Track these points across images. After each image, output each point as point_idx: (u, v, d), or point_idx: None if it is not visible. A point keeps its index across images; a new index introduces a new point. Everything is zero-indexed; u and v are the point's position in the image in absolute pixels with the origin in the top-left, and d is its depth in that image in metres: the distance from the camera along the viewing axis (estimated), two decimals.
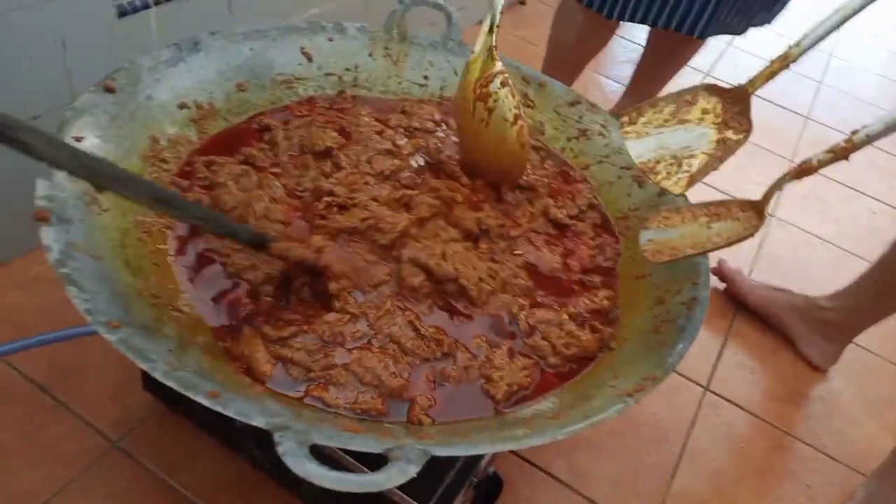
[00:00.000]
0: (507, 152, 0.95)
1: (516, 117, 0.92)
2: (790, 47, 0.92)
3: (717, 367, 1.41)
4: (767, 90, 2.52)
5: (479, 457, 0.96)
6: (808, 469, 1.26)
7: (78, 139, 0.84)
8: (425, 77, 1.20)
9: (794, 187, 2.00)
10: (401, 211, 0.89)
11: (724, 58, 2.63)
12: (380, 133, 1.05)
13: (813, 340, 1.44)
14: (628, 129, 0.98)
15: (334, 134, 1.04)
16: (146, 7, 1.26)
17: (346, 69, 1.17)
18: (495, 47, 0.93)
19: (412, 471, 0.57)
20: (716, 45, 2.58)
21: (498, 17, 0.94)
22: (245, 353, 0.72)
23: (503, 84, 0.91)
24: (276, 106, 1.11)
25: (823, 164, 0.84)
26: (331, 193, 0.90)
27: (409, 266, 0.81)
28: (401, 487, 0.87)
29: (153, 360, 0.63)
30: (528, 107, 1.18)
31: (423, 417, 0.71)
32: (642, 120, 0.99)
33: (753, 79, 0.95)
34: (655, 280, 0.93)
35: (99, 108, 0.90)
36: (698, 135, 0.97)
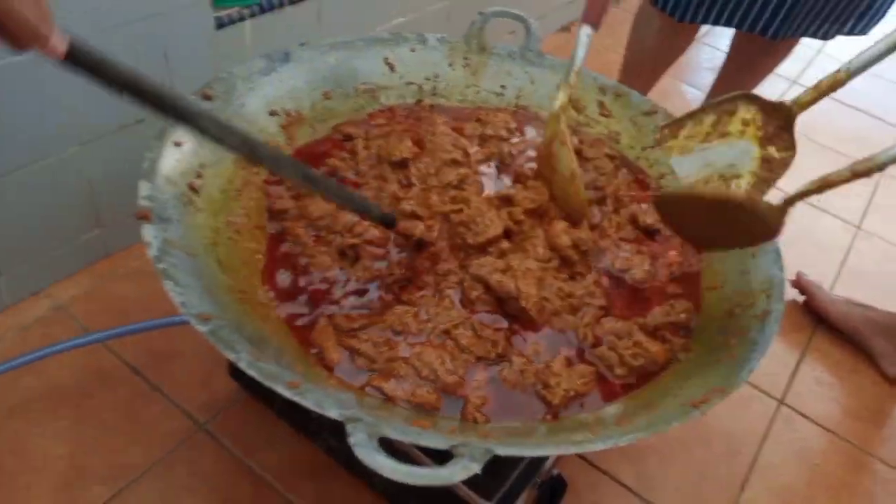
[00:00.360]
0: (569, 204, 0.97)
1: (572, 175, 0.94)
2: (839, 70, 0.87)
3: (794, 381, 1.38)
4: (856, 97, 2.44)
5: (544, 458, 0.98)
6: (887, 492, 1.22)
7: (178, 144, 0.91)
8: (502, 87, 1.23)
9: (881, 198, 1.93)
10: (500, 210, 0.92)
11: (813, 65, 2.54)
12: (454, 144, 1.08)
13: (893, 357, 1.39)
14: (671, 143, 0.96)
15: (410, 144, 1.08)
16: (242, 20, 1.33)
17: (427, 78, 1.22)
18: (563, 107, 0.97)
19: (475, 468, 0.60)
20: (804, 52, 2.50)
21: (573, 76, 0.99)
22: (317, 341, 0.77)
23: (561, 143, 0.95)
24: (359, 114, 1.16)
25: (841, 180, 0.79)
26: (414, 215, 0.93)
27: (471, 279, 0.85)
28: (466, 483, 0.90)
29: (238, 351, 0.68)
30: (605, 116, 1.19)
31: (477, 416, 0.74)
32: (684, 133, 0.96)
33: (798, 98, 0.89)
34: (727, 291, 0.93)
35: None
36: (741, 151, 0.93)
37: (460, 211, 0.91)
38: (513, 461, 0.93)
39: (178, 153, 0.91)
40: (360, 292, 0.86)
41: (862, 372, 1.42)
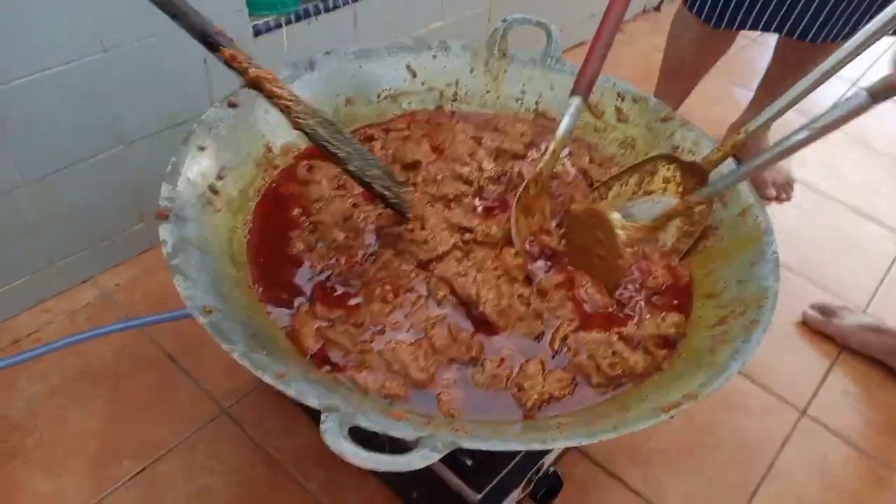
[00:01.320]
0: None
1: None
2: (739, 133, 0.98)
3: (819, 392, 1.35)
4: None
5: (540, 454, 1.01)
6: None
7: (202, 148, 0.98)
8: (522, 92, 1.26)
9: None
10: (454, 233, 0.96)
11: (875, 67, 2.46)
12: (471, 154, 1.12)
13: None
14: (602, 202, 1.05)
15: (427, 148, 1.12)
16: (279, 27, 1.40)
17: (448, 84, 1.25)
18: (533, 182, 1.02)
19: (435, 457, 0.64)
20: (867, 52, 2.41)
21: (556, 145, 1.03)
22: (296, 326, 0.82)
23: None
24: (381, 119, 1.21)
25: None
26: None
27: (437, 280, 0.89)
28: (458, 476, 0.94)
29: (234, 342, 0.74)
30: (622, 121, 1.20)
31: (453, 411, 0.77)
32: (612, 193, 1.06)
33: (707, 157, 1.01)
34: (723, 299, 0.93)
35: (222, 121, 1.04)
36: (664, 205, 0.99)
37: (412, 230, 0.95)
38: (506, 456, 0.96)
39: (201, 156, 0.97)
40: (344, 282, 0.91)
41: (890, 386, 1.38)
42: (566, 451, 1.18)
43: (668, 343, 0.89)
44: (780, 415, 1.31)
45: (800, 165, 1.95)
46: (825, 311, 1.48)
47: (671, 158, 1.04)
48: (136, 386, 1.19)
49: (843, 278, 1.62)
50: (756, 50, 2.46)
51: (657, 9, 2.61)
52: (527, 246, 0.97)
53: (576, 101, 1.04)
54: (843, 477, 1.22)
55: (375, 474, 1.10)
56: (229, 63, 0.76)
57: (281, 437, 1.15)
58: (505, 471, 0.95)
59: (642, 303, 0.95)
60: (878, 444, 1.28)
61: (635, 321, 0.91)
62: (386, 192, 0.88)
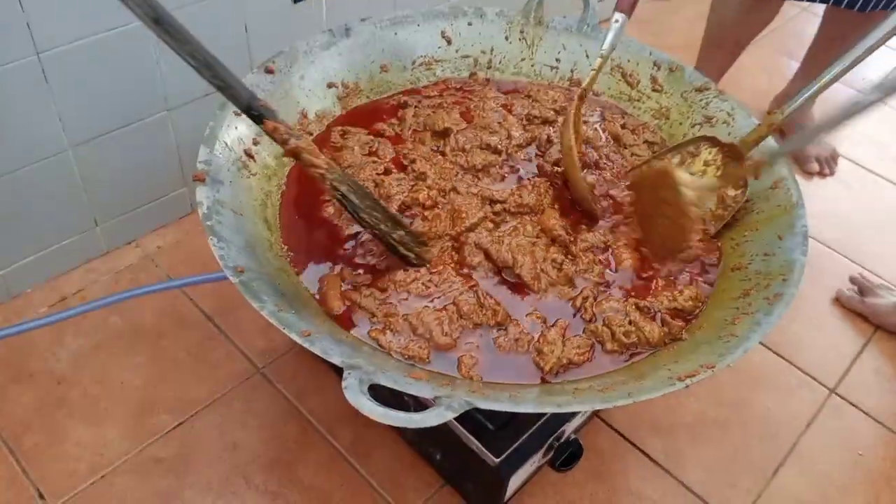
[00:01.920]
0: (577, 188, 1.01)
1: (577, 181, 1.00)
2: (773, 113, 0.97)
3: (851, 371, 1.34)
4: None
5: (562, 422, 1.03)
6: None
7: (238, 113, 1.00)
8: (557, 60, 1.25)
9: None
10: (484, 205, 0.98)
11: None
12: (500, 122, 1.12)
13: None
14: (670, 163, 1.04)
15: (457, 116, 1.13)
16: None
17: (483, 52, 1.26)
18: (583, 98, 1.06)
19: (449, 415, 0.66)
20: None
21: (598, 61, 1.06)
22: (323, 288, 0.85)
23: (569, 152, 1.00)
24: (414, 86, 1.23)
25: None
26: (424, 175, 1.00)
27: (472, 247, 0.90)
28: (479, 439, 0.96)
29: (264, 300, 0.77)
30: (656, 91, 1.19)
31: (473, 374, 0.79)
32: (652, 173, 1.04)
33: (744, 138, 0.99)
34: (749, 272, 0.93)
35: (259, 86, 1.06)
36: (703, 186, 0.99)
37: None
38: (527, 421, 0.98)
39: (238, 122, 1.00)
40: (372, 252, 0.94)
41: None
42: (590, 419, 1.19)
43: (685, 315, 0.89)
44: (809, 392, 1.30)
45: (844, 140, 1.90)
46: (861, 288, 1.45)
47: (713, 141, 1.03)
48: (175, 345, 1.24)
49: (884, 256, 1.58)
50: (806, 19, 2.38)
51: None
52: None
53: (620, 17, 1.06)
54: (871, 457, 1.21)
55: (401, 435, 1.14)
56: (272, 134, 0.80)
57: (313, 397, 1.18)
58: (525, 436, 0.97)
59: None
60: None
61: (655, 287, 0.92)
62: (409, 254, 0.89)
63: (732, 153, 1.00)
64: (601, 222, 1.00)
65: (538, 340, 0.84)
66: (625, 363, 0.84)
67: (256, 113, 0.80)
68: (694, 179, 0.95)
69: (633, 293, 0.92)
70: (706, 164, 1.02)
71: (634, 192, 1.02)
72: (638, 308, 0.88)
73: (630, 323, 0.85)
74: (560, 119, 1.16)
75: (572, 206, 1.02)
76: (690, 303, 0.89)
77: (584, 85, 1.07)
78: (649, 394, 0.73)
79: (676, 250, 0.94)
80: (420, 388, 0.71)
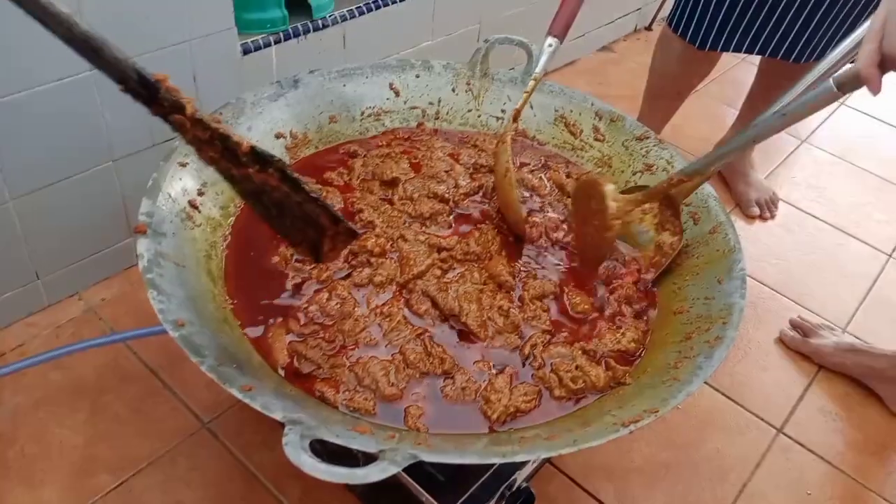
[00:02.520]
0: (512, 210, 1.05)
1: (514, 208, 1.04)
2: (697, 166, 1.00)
3: (797, 410, 1.36)
4: None
5: (513, 470, 1.02)
6: None
7: (182, 164, 1.00)
8: (502, 111, 1.28)
9: None
10: (432, 253, 0.99)
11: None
12: (448, 171, 1.14)
13: None
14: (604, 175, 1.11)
15: (406, 165, 1.14)
16: (268, 45, 1.43)
17: (430, 103, 1.28)
18: (507, 133, 1.12)
19: (393, 469, 0.65)
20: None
21: (531, 83, 1.13)
22: (269, 341, 0.84)
23: (505, 176, 1.05)
24: (363, 136, 1.24)
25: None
26: (371, 224, 1.01)
27: (419, 294, 0.91)
28: (428, 490, 0.95)
29: (204, 355, 0.76)
30: (599, 140, 1.23)
31: (419, 425, 0.78)
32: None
33: (679, 188, 1.02)
34: (690, 316, 0.95)
35: None
36: (640, 233, 1.06)
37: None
38: (477, 471, 0.97)
39: (182, 172, 1.00)
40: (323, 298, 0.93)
41: (871, 405, 1.39)
42: (542, 465, 1.19)
43: (629, 358, 0.91)
44: (757, 433, 1.31)
45: (785, 184, 1.97)
46: (803, 329, 1.49)
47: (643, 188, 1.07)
48: (117, 400, 1.21)
49: (825, 297, 1.63)
50: (745, 69, 2.48)
51: (648, 28, 2.64)
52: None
53: (553, 41, 1.13)
54: (819, 496, 1.23)
55: (352, 490, 1.11)
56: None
57: (260, 451, 1.16)
58: (476, 486, 0.96)
59: (615, 303, 0.98)
60: (856, 463, 1.29)
61: (599, 331, 0.94)
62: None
63: (668, 202, 1.04)
64: (545, 270, 1.02)
65: (485, 389, 0.85)
66: (571, 409, 0.84)
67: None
68: (618, 194, 1.00)
69: (579, 337, 0.93)
70: (643, 211, 1.05)
71: (573, 201, 1.07)
72: (584, 352, 0.89)
73: (577, 368, 0.86)
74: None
75: (519, 251, 1.04)
76: (633, 344, 0.91)
77: (517, 106, 1.13)
78: (594, 440, 0.73)
79: (600, 259, 1.00)
80: (364, 442, 0.70)
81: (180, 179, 0.99)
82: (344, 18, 1.52)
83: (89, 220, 1.33)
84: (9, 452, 1.12)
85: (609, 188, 0.98)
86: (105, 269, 1.41)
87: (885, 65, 0.66)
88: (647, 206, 1.04)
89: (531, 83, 1.14)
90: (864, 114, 2.33)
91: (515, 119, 1.15)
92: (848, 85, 0.72)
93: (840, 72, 0.71)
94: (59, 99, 1.16)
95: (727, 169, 1.87)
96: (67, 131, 1.21)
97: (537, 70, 1.13)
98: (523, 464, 1.05)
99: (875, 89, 0.68)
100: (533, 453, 0.72)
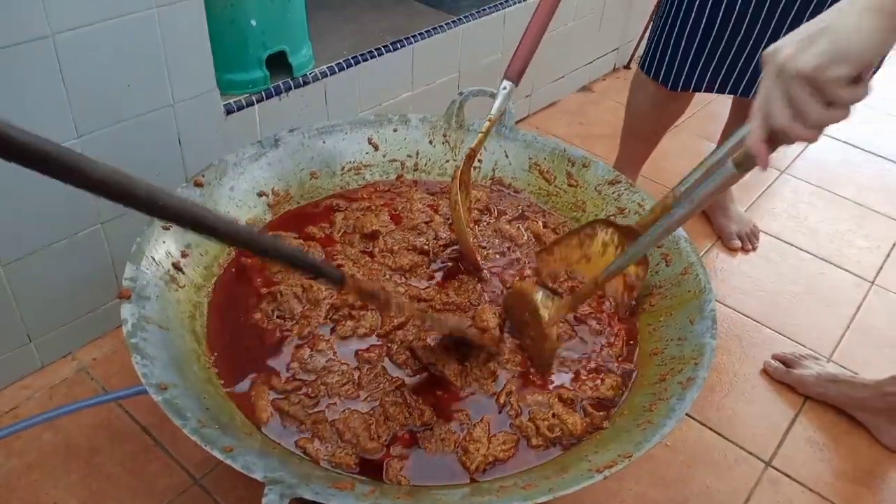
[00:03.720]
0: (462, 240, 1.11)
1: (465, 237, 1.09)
2: (667, 196, 1.07)
3: (784, 443, 1.37)
4: (885, 148, 2.39)
5: None
6: None
7: (166, 228, 1.03)
8: (479, 161, 1.32)
9: None
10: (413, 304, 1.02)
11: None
12: (427, 222, 1.18)
13: (884, 428, 1.36)
14: (548, 260, 1.14)
15: (386, 218, 1.18)
16: (251, 105, 1.47)
17: (408, 155, 1.32)
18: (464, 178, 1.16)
19: None
20: None
21: (486, 123, 1.17)
22: (251, 399, 0.86)
23: (454, 206, 1.10)
24: (344, 190, 1.27)
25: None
26: (352, 277, 1.03)
27: (398, 345, 0.93)
28: None
29: (187, 417, 0.78)
30: (572, 186, 1.26)
31: (401, 478, 0.80)
32: (556, 256, 1.14)
33: (640, 220, 1.08)
34: (665, 357, 0.97)
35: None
36: (559, 306, 1.05)
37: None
38: None
39: (166, 236, 1.03)
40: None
41: (858, 434, 1.40)
42: None
43: (606, 405, 0.93)
44: (746, 467, 1.32)
45: (765, 215, 2.00)
46: (786, 361, 1.50)
47: (609, 223, 1.10)
48: (110, 460, 1.22)
49: (809, 326, 1.65)
50: (722, 102, 2.53)
51: (627, 66, 2.70)
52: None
53: (508, 84, 1.17)
54: None
55: None
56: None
57: None
58: None
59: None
60: (845, 493, 1.29)
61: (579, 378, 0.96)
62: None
63: (629, 233, 1.07)
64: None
65: (464, 439, 0.86)
66: (549, 457, 0.86)
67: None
68: (549, 300, 0.98)
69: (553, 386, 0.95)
70: (604, 244, 1.09)
71: (506, 312, 1.05)
72: (561, 399, 0.91)
73: (553, 416, 0.88)
74: (483, 218, 1.22)
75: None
76: (611, 392, 0.93)
77: (472, 146, 1.17)
78: (569, 488, 0.75)
79: (546, 365, 0.98)
80: (343, 498, 0.71)
81: (164, 242, 1.03)
82: (324, 75, 1.57)
83: (79, 281, 1.35)
84: None
85: (539, 296, 0.98)
86: (96, 328, 1.43)
87: (773, 140, 0.70)
88: (606, 238, 1.08)
89: (486, 124, 1.17)
90: (842, 141, 2.38)
91: (470, 158, 1.18)
92: (744, 164, 0.75)
93: (737, 153, 0.74)
94: None
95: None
96: (55, 197, 1.24)
97: (493, 112, 1.17)
98: None
99: (763, 165, 0.71)
100: (510, 503, 0.74)
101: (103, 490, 1.18)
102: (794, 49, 0.65)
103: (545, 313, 0.97)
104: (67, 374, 1.36)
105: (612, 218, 1.21)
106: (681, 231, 1.11)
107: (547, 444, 0.87)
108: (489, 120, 1.17)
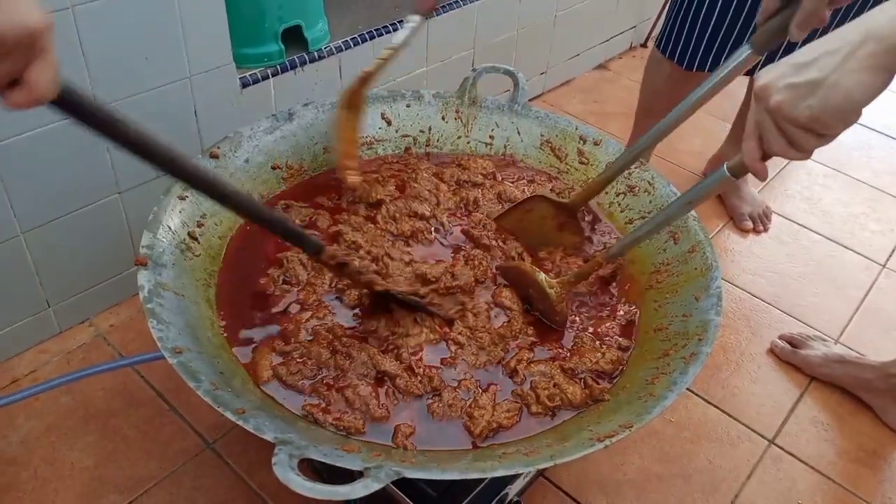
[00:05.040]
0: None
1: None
2: (605, 170, 1.13)
3: (789, 422, 1.39)
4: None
5: (503, 484, 1.05)
6: None
7: (182, 197, 1.05)
8: (491, 137, 1.33)
9: None
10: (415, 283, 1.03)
11: None
12: (432, 190, 1.19)
13: (889, 409, 1.37)
14: (528, 262, 1.14)
15: (392, 188, 1.19)
16: (266, 79, 1.49)
17: (421, 131, 1.33)
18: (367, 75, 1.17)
19: (375, 486, 0.69)
20: None
21: (385, 51, 1.16)
22: (255, 359, 0.89)
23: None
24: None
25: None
26: (356, 244, 1.06)
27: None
28: None
29: (200, 380, 0.80)
30: (583, 163, 1.27)
31: (407, 443, 0.82)
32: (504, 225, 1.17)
33: (574, 197, 1.15)
34: (669, 333, 0.98)
35: None
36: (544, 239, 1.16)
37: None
38: (467, 486, 1.01)
39: (182, 205, 1.05)
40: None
41: (863, 414, 1.41)
42: (535, 479, 1.22)
43: (607, 376, 0.94)
44: (749, 444, 1.34)
45: (779, 196, 2.00)
46: (793, 342, 1.51)
47: (544, 199, 1.15)
48: (125, 423, 1.25)
49: (818, 308, 1.65)
50: (738, 82, 2.51)
51: (644, 45, 2.68)
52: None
53: (415, 17, 1.14)
54: None
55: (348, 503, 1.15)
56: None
57: (262, 470, 1.20)
58: (466, 500, 0.99)
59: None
60: (847, 472, 1.31)
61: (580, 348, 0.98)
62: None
63: (564, 208, 1.13)
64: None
65: (470, 406, 0.88)
66: (551, 425, 0.88)
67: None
68: (552, 281, 1.02)
69: (560, 354, 0.97)
70: (541, 217, 1.14)
71: (504, 277, 1.08)
72: (563, 370, 0.92)
73: (554, 385, 0.90)
74: (486, 182, 1.23)
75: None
76: (610, 366, 0.95)
77: (368, 69, 1.16)
78: (570, 455, 0.76)
79: (564, 318, 1.02)
80: (350, 460, 0.74)
81: (180, 212, 1.04)
82: (339, 49, 1.58)
83: (97, 249, 1.38)
84: (23, 475, 1.17)
85: (541, 277, 1.01)
86: (113, 296, 1.46)
87: (766, 157, 0.73)
88: (544, 212, 1.14)
89: (386, 52, 1.15)
90: (860, 124, 2.36)
91: (363, 81, 1.17)
92: (739, 171, 0.78)
93: (733, 160, 0.77)
94: (66, 137, 1.22)
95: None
96: (75, 167, 1.27)
97: (395, 41, 1.14)
98: (514, 478, 1.08)
99: (762, 177, 0.75)
100: (511, 468, 0.76)
101: (118, 452, 1.21)
102: (788, 96, 0.66)
103: (552, 293, 1.00)
104: (85, 340, 1.40)
105: (620, 196, 1.22)
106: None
107: (545, 412, 0.89)
108: (391, 49, 1.15)
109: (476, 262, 1.06)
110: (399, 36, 1.14)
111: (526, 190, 1.22)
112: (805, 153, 0.70)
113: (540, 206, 1.15)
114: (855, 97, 0.64)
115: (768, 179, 2.05)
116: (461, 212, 1.19)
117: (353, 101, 1.18)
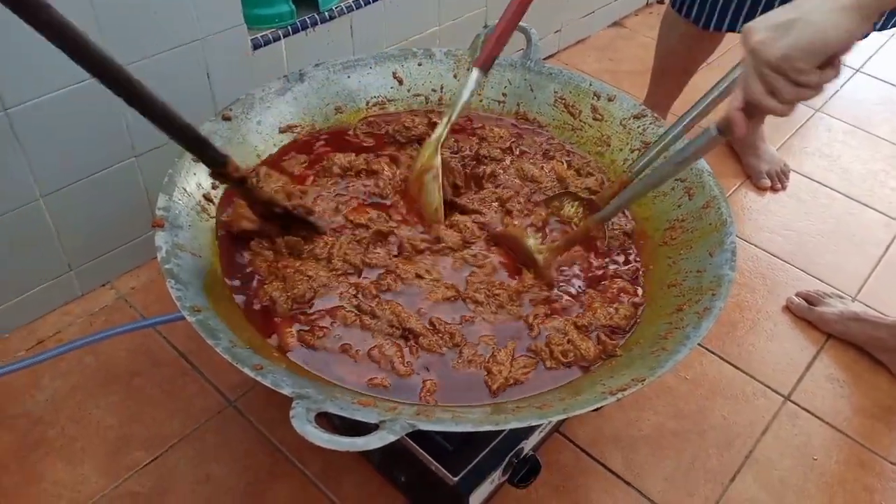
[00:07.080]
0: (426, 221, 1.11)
1: (436, 210, 1.09)
2: (625, 171, 1.11)
3: (804, 378, 1.39)
4: None
5: (519, 439, 1.07)
6: (888, 488, 1.23)
7: (196, 160, 1.06)
8: (504, 94, 1.32)
9: None
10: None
11: (881, 53, 2.44)
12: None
13: None
14: (517, 227, 1.13)
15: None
16: (277, 40, 1.48)
17: (433, 90, 1.32)
18: (443, 144, 1.12)
19: (390, 438, 0.71)
20: (872, 39, 2.41)
21: (456, 115, 1.14)
22: (278, 328, 0.91)
23: (434, 178, 1.10)
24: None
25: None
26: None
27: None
28: (438, 460, 1.00)
29: (219, 338, 0.82)
30: (597, 119, 1.26)
31: (429, 398, 0.84)
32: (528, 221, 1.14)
33: (601, 194, 1.13)
34: (683, 289, 0.98)
35: (217, 133, 1.12)
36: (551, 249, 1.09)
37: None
38: (483, 440, 1.02)
39: (196, 168, 1.06)
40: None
41: (879, 372, 1.40)
42: (550, 435, 1.23)
43: (621, 331, 0.95)
44: (764, 401, 1.34)
45: (797, 154, 1.97)
46: (809, 299, 1.50)
47: (574, 196, 1.15)
48: (149, 382, 1.28)
49: (836, 266, 1.64)
50: None
51: (661, 1, 2.63)
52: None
53: (476, 74, 1.14)
54: (826, 461, 1.26)
55: (369, 461, 1.17)
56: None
57: (283, 427, 1.22)
58: (482, 454, 1.01)
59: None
60: (862, 428, 1.31)
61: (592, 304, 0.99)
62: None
63: (591, 206, 1.12)
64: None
65: (489, 361, 0.90)
66: (565, 381, 0.89)
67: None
68: (541, 245, 1.04)
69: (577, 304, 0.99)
70: (570, 217, 1.14)
71: (498, 241, 1.08)
72: (576, 326, 0.93)
73: (568, 341, 0.91)
74: (506, 158, 1.23)
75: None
76: (624, 321, 0.95)
77: (440, 138, 1.12)
78: (582, 408, 0.78)
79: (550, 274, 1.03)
80: (366, 413, 0.75)
81: (195, 174, 1.05)
82: (350, 9, 1.56)
83: (116, 213, 1.40)
84: (50, 432, 1.20)
85: (530, 241, 1.03)
86: (134, 258, 1.49)
87: (750, 110, 0.73)
88: (570, 212, 1.14)
89: (456, 114, 1.14)
90: (881, 80, 2.31)
91: (435, 149, 1.12)
92: (726, 129, 0.77)
93: (720, 119, 0.77)
94: (82, 100, 1.22)
95: (737, 141, 1.88)
96: (92, 130, 1.27)
97: (460, 103, 1.14)
98: (529, 433, 1.10)
99: (739, 131, 0.75)
100: (525, 421, 0.77)
101: (142, 410, 1.24)
102: (766, 36, 0.68)
103: (539, 258, 1.01)
104: (107, 302, 1.42)
105: (636, 153, 1.21)
106: (705, 165, 1.10)
107: (559, 367, 0.90)
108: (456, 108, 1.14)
109: (461, 227, 1.07)
110: (463, 95, 1.14)
111: (545, 168, 1.21)
112: (783, 103, 0.70)
113: (569, 204, 1.15)
114: (826, 37, 0.65)
115: (785, 138, 2.02)
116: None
117: (429, 166, 1.13)
